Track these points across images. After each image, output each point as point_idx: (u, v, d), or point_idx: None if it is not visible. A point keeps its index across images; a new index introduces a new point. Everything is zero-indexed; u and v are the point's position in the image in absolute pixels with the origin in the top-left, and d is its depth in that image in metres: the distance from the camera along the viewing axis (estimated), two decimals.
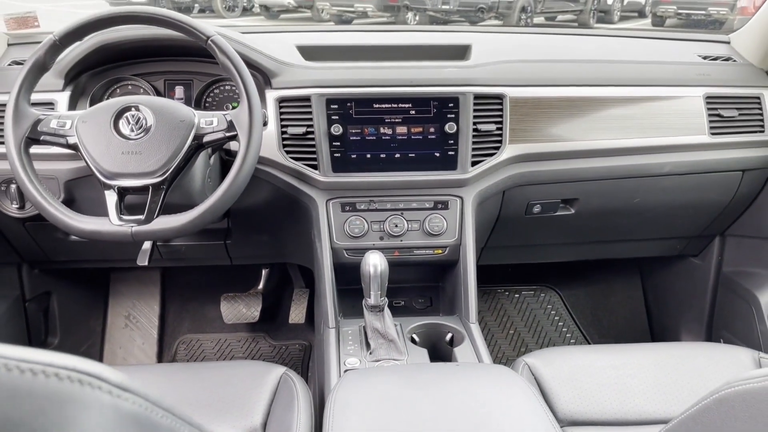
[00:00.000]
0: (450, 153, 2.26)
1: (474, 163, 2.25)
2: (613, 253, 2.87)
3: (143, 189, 1.98)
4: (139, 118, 2.02)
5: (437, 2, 12.61)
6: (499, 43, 2.63)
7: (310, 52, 2.35)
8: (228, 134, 2.06)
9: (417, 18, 12.68)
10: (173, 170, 2.01)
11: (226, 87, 2.32)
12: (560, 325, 3.41)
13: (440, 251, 2.28)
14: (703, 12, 15.70)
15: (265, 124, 2.16)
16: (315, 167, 2.21)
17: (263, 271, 3.21)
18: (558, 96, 2.33)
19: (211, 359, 3.01)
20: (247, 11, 14.89)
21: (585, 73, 2.40)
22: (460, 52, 2.51)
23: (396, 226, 2.26)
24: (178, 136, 2.02)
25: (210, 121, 2.06)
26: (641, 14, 16.53)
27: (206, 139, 2.06)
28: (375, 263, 1.95)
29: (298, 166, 2.21)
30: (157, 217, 2.00)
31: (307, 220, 2.27)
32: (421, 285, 2.70)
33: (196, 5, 15.02)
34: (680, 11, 15.87)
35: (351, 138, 2.23)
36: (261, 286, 3.22)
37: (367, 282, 1.90)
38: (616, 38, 2.78)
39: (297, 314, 3.11)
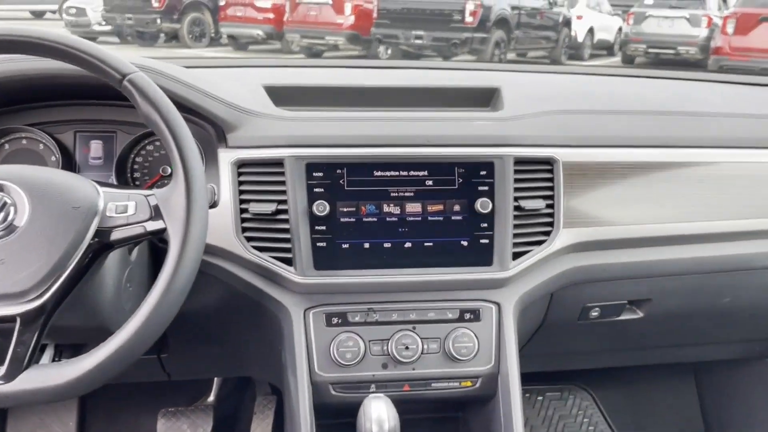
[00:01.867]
0: (483, 241, 1.69)
1: (516, 256, 1.70)
2: (670, 357, 2.43)
3: (3, 321, 1.19)
4: (4, 203, 1.24)
5: (410, 36, 12.07)
6: (535, 86, 2.09)
7: (282, 95, 1.81)
8: (151, 228, 1.31)
9: (389, 52, 12.13)
10: (58, 289, 1.24)
11: None
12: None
13: (469, 383, 1.72)
14: (672, 51, 15.75)
15: (213, 205, 1.60)
16: (289, 262, 1.63)
17: (215, 378, 2.62)
18: (630, 161, 1.80)
19: None
20: (214, 41, 14.21)
21: (663, 129, 1.87)
22: (486, 97, 1.97)
23: (406, 348, 1.66)
24: (69, 233, 1.26)
25: (123, 207, 1.30)
26: (610, 52, 16.54)
27: (115, 236, 1.31)
28: (381, 418, 1.44)
29: (264, 260, 1.63)
30: (27, 368, 1.21)
31: (276, 333, 1.71)
32: (435, 416, 2.04)
33: (162, 35, 14.28)
34: (649, 50, 15.89)
35: (342, 220, 1.65)
36: (212, 397, 2.69)
37: None
38: (681, 81, 2.11)
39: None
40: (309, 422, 1.63)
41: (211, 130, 1.66)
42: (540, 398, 3.03)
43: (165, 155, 1.72)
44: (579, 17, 16.62)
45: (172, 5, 14.93)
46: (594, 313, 1.94)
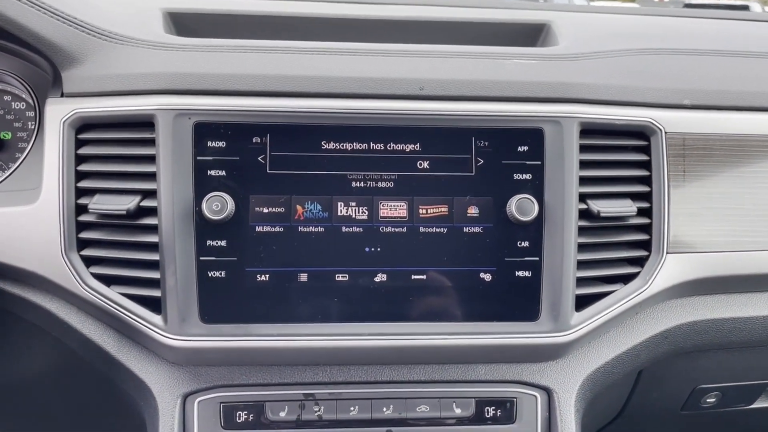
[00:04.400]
0: (521, 274, 1.01)
1: (582, 303, 1.04)
2: None
3: None
4: None
5: None
6: (599, 24, 1.42)
7: (189, 25, 1.22)
8: None
9: None
10: None
11: None
12: None
13: None
14: None
15: None
16: (155, 306, 0.99)
17: None
18: None
19: None
20: None
21: None
22: (530, 35, 1.30)
23: None
24: None
25: None
26: None
27: None
28: None
29: (111, 302, 0.99)
30: None
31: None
32: None
33: None
34: None
35: (258, 229, 0.99)
36: None
37: None
38: None
39: None
40: None
41: (49, 68, 1.07)
42: None
43: None
44: None
45: None
46: (711, 400, 1.33)
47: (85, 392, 1.18)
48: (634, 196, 1.05)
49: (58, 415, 1.30)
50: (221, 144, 0.96)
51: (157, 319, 0.95)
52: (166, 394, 0.99)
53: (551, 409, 1.05)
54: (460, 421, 1.04)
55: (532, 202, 0.97)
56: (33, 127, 1.10)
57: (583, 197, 1.02)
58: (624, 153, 1.06)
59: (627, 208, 1.03)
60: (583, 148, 1.03)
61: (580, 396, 1.06)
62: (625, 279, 1.04)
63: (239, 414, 1.01)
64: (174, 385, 1.00)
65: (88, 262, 0.98)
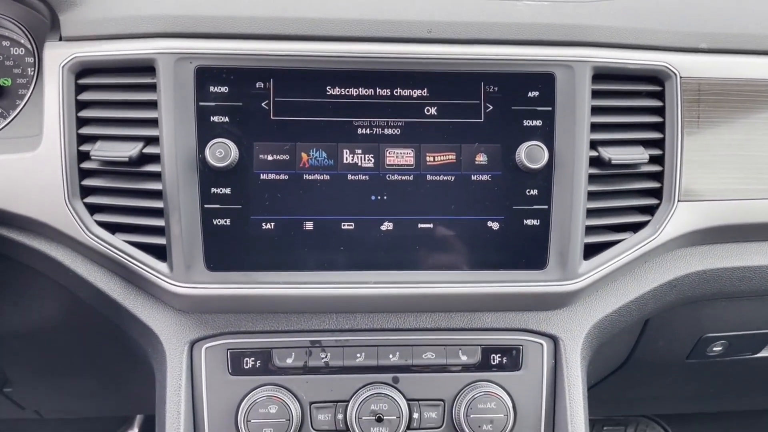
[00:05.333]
0: (529, 223, 1.00)
1: (591, 251, 1.03)
2: None
3: None
4: None
5: None
6: None
7: None
8: None
9: None
10: None
11: None
12: None
13: None
14: None
15: None
16: (160, 253, 1.00)
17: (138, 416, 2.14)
18: None
19: None
20: None
21: None
22: None
23: (379, 419, 1.02)
24: None
25: None
26: None
27: None
28: None
29: (117, 249, 0.98)
30: None
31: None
32: None
33: None
34: None
35: (262, 177, 0.97)
36: (136, 430, 2.12)
37: None
38: None
39: None
40: None
41: (46, 12, 1.03)
42: None
43: None
44: None
45: None
46: (717, 349, 1.33)
47: (94, 340, 1.20)
48: (646, 143, 1.03)
49: (68, 362, 1.33)
50: (224, 89, 0.94)
51: (162, 266, 0.95)
52: (173, 341, 1.01)
53: (557, 357, 1.06)
54: (466, 368, 1.05)
55: (542, 149, 0.96)
56: (32, 73, 1.08)
57: (594, 144, 1.00)
58: (637, 99, 1.04)
59: (639, 155, 1.01)
60: (595, 94, 1.01)
61: (586, 344, 1.06)
62: (635, 228, 1.03)
63: (246, 360, 1.02)
64: (181, 332, 1.01)
65: (92, 209, 0.97)
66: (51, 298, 1.07)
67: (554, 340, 1.06)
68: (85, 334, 1.18)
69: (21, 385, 1.42)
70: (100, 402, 1.64)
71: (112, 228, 0.97)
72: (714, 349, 1.32)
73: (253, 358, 1.02)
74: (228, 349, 1.02)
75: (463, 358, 1.05)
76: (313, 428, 1.02)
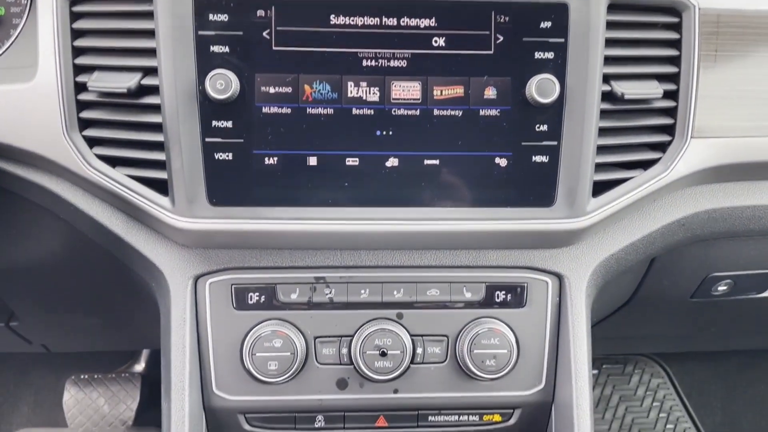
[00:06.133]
0: (538, 159, 0.98)
1: (600, 189, 1.01)
2: None
3: None
4: None
5: None
6: None
7: None
8: None
9: None
10: None
11: None
12: (670, 428, 2.35)
13: (498, 417, 1.10)
14: None
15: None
16: (162, 188, 0.98)
17: (144, 351, 2.19)
18: None
19: None
20: None
21: None
22: None
23: (383, 353, 1.02)
24: None
25: None
26: None
27: None
28: None
29: (118, 183, 0.97)
30: None
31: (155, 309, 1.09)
32: None
33: None
34: None
35: (264, 111, 0.94)
36: (143, 365, 2.14)
37: None
38: None
39: None
40: None
41: None
42: (595, 371, 2.43)
43: None
44: None
45: None
46: (722, 288, 1.32)
47: (99, 274, 1.19)
48: (660, 78, 0.99)
49: (73, 298, 1.33)
50: (223, 17, 0.90)
51: (164, 201, 0.94)
52: (177, 276, 1.00)
53: (562, 295, 1.05)
54: (470, 304, 1.04)
55: (554, 82, 0.92)
56: (26, 1, 1.04)
57: (606, 78, 0.96)
58: (652, 31, 0.99)
59: (653, 90, 0.97)
60: (610, 25, 0.97)
61: (591, 282, 1.06)
62: (645, 165, 1.00)
63: (251, 296, 1.02)
64: (185, 267, 1.00)
65: (91, 142, 0.95)
66: (53, 232, 1.06)
67: (559, 278, 1.05)
68: (89, 270, 1.18)
69: (27, 319, 1.42)
70: (106, 337, 1.65)
71: (112, 161, 0.94)
72: (719, 288, 1.30)
73: (257, 294, 1.02)
74: (232, 285, 1.01)
75: (468, 296, 1.04)
76: (318, 362, 1.02)
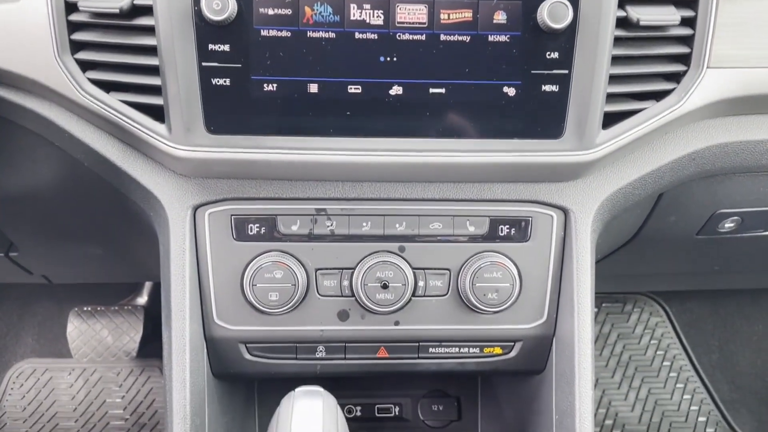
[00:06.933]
0: (547, 88, 0.93)
1: (611, 120, 0.96)
2: None
3: None
4: None
5: None
6: None
7: None
8: None
9: None
10: None
11: None
12: (666, 365, 2.36)
13: (499, 350, 1.10)
14: None
15: None
16: (158, 114, 0.93)
17: (146, 284, 2.17)
18: None
19: (66, 412, 2.13)
20: None
21: None
22: None
23: (384, 285, 1.01)
24: None
25: None
26: None
27: None
28: None
29: (111, 108, 0.92)
30: None
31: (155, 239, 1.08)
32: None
33: None
34: None
35: (263, 33, 0.89)
36: (145, 298, 2.14)
37: None
38: None
39: None
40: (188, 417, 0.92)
41: None
42: (594, 309, 2.37)
43: None
44: None
45: None
46: (729, 225, 1.29)
47: (97, 204, 1.16)
48: (677, 3, 0.94)
49: (72, 228, 1.31)
50: None
51: (160, 128, 0.90)
52: (175, 206, 0.97)
53: (567, 229, 1.03)
54: (473, 238, 1.02)
55: (566, 6, 0.87)
56: None
57: (621, 3, 0.91)
58: None
59: (670, 16, 0.92)
60: None
61: (597, 217, 1.03)
62: (658, 96, 0.96)
63: (251, 227, 0.99)
64: (183, 197, 0.97)
65: (84, 66, 0.91)
66: (49, 160, 1.02)
67: (565, 212, 1.02)
68: (87, 200, 1.14)
69: (26, 249, 1.41)
70: (107, 269, 1.64)
71: (107, 87, 0.90)
72: (726, 225, 1.27)
73: (257, 225, 0.99)
74: (232, 215, 0.99)
75: (471, 229, 1.02)
76: (319, 294, 1.01)
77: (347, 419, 0.95)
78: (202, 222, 0.98)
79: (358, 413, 1.51)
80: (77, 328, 2.02)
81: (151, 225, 1.02)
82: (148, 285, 2.10)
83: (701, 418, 2.16)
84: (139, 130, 0.90)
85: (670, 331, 2.36)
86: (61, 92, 0.90)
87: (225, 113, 0.89)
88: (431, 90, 0.91)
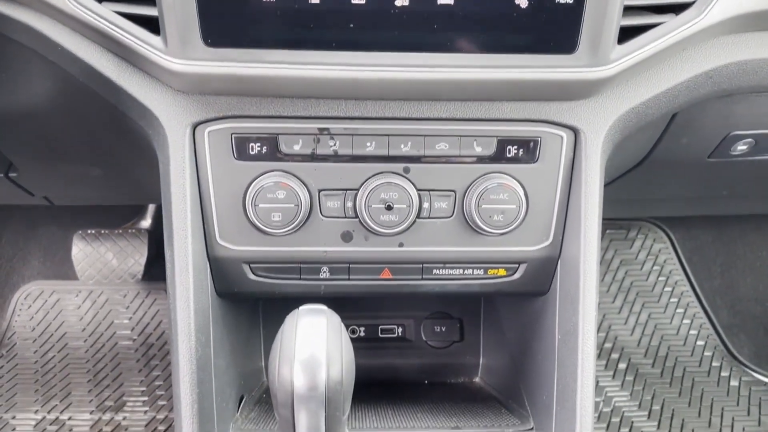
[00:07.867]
0: (561, 0, 0.86)
1: (627, 35, 0.91)
2: None
3: None
4: None
5: None
6: None
7: None
8: None
9: None
10: None
11: None
12: (667, 291, 2.34)
13: (503, 271, 1.08)
14: None
15: None
16: (153, 26, 0.88)
17: (150, 206, 2.16)
18: None
19: (75, 332, 2.14)
20: None
21: None
22: None
23: (388, 207, 0.99)
24: None
25: None
26: None
27: None
28: (313, 359, 0.75)
29: (104, 20, 0.87)
30: None
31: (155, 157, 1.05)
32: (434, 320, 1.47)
33: None
34: None
35: None
36: (149, 221, 2.13)
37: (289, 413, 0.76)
38: None
39: None
40: (192, 351, 0.95)
41: None
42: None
43: None
44: None
45: None
46: (742, 147, 1.24)
47: (95, 122, 1.12)
48: None
49: (70, 148, 1.27)
50: None
51: (156, 40, 0.86)
52: (174, 123, 0.94)
53: (577, 150, 1.00)
54: (480, 159, 0.99)
55: None
56: None
57: None
58: None
59: None
60: None
61: (608, 138, 0.99)
62: (677, 9, 0.90)
63: (252, 146, 0.96)
64: (182, 114, 0.94)
65: None
66: (43, 76, 0.98)
67: (575, 132, 0.99)
68: (84, 117, 1.10)
69: (25, 170, 1.38)
70: (108, 190, 1.62)
71: None
72: (739, 147, 1.23)
73: (258, 144, 0.96)
74: (232, 134, 0.96)
75: (478, 150, 0.98)
76: (322, 215, 0.99)
77: (351, 339, 0.95)
78: (201, 140, 0.95)
79: (362, 334, 1.52)
80: (82, 251, 2.02)
81: (150, 144, 0.99)
82: (151, 208, 2.08)
83: (699, 342, 2.18)
84: (134, 42, 0.86)
85: (673, 257, 2.35)
86: (51, 2, 0.86)
87: (223, 24, 0.84)
88: (439, 1, 0.87)
